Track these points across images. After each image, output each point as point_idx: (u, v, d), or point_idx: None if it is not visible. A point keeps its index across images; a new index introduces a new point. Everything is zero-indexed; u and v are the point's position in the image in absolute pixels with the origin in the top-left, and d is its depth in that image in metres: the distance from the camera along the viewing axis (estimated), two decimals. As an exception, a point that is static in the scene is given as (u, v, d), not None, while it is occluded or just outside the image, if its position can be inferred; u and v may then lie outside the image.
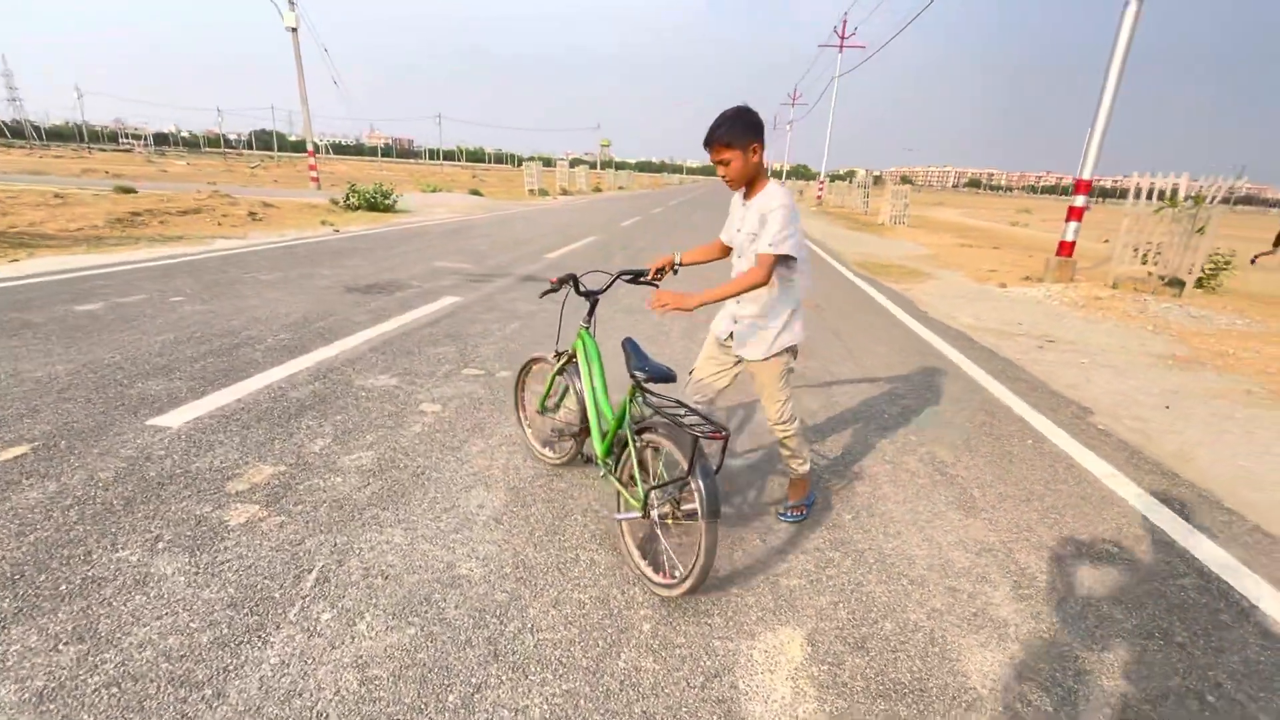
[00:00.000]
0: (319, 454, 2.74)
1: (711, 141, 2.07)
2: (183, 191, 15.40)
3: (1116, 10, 8.64)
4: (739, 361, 2.38)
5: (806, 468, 2.47)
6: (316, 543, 2.12)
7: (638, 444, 2.04)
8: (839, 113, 35.60)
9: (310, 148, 22.71)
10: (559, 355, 2.62)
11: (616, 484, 2.17)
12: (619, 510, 2.17)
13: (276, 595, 1.86)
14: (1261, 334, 6.75)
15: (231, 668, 1.59)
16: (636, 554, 2.10)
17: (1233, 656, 1.90)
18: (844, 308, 7.03)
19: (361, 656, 1.66)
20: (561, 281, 2.48)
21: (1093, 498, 2.86)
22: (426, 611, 1.84)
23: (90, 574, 1.90)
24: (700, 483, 1.77)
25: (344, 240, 9.78)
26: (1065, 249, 9.60)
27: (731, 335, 2.33)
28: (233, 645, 1.66)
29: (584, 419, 2.48)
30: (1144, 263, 9.13)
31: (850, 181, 36.96)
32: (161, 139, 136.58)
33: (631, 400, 2.11)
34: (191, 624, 1.73)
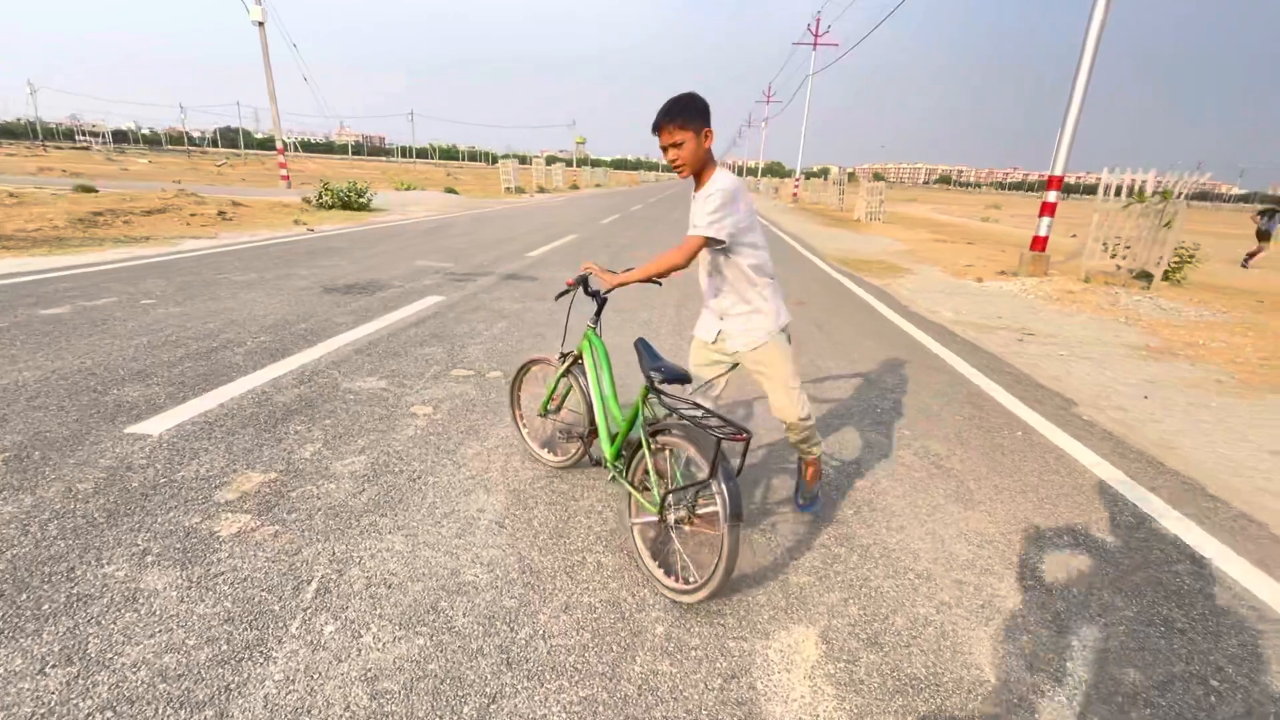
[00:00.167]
0: (310, 460, 2.66)
1: (665, 123, 1.97)
2: (146, 190, 14.89)
3: (1084, 10, 8.84)
4: (734, 366, 2.31)
5: (820, 449, 2.45)
6: (314, 552, 2.05)
7: (653, 446, 2.00)
8: (813, 110, 35.92)
9: (280, 145, 22.17)
10: (564, 356, 2.57)
11: (628, 487, 2.13)
12: (630, 513, 2.14)
13: (276, 608, 1.79)
14: (1226, 325, 6.98)
15: (233, 686, 1.52)
16: (649, 558, 2.06)
17: (1230, 641, 1.94)
18: (828, 303, 7.08)
19: (370, 669, 1.60)
20: (578, 282, 2.42)
21: (1084, 488, 2.91)
22: (434, 620, 1.79)
23: (75, 591, 1.80)
24: (723, 486, 1.74)
25: (319, 240, 9.56)
26: (1038, 244, 9.81)
27: (720, 335, 2.25)
28: (233, 662, 1.59)
29: (591, 421, 2.44)
30: (1113, 257, 9.38)
31: (825, 178, 37.36)
32: (120, 136, 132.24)
33: (644, 402, 2.08)
34: (188, 641, 1.65)
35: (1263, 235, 14.00)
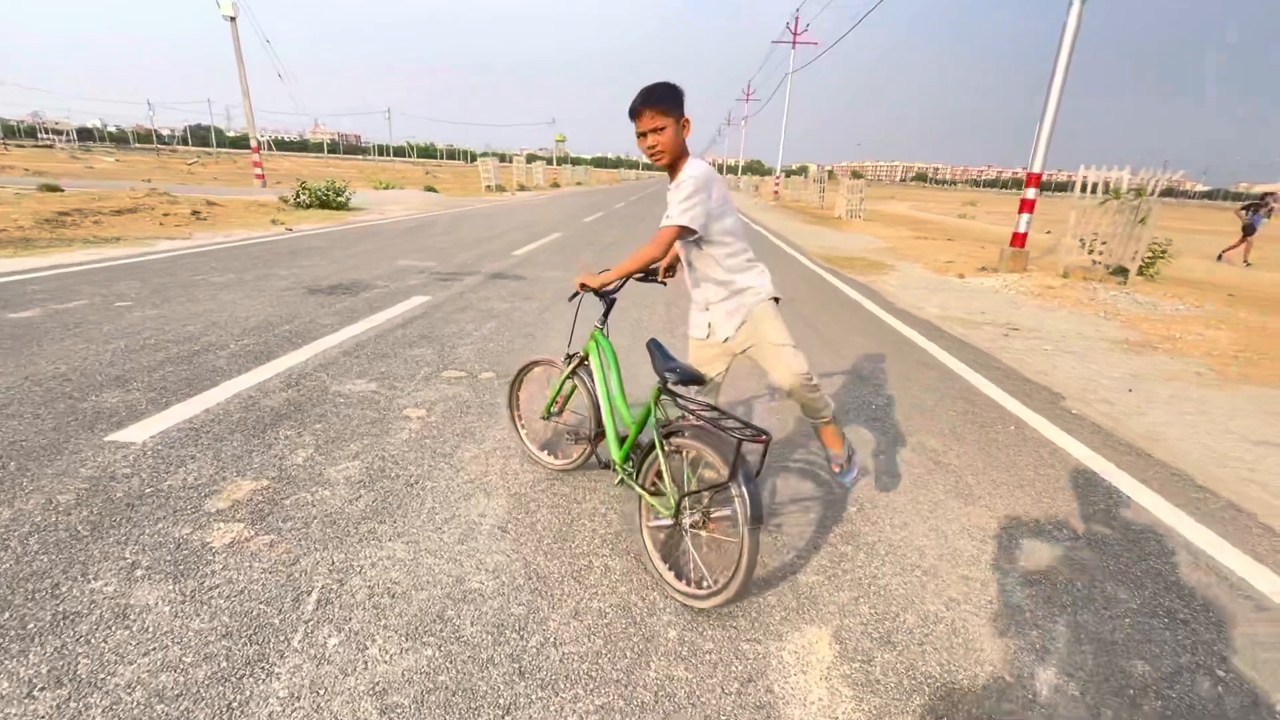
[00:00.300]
0: (302, 466, 2.58)
1: (644, 107, 1.94)
2: (115, 189, 14.45)
3: (1059, 10, 9.00)
4: (732, 355, 2.27)
5: (831, 410, 2.33)
6: (312, 562, 1.99)
7: (666, 448, 1.97)
8: (791, 109, 36.15)
9: (255, 143, 21.71)
10: (570, 358, 2.53)
11: (639, 490, 2.09)
12: (641, 517, 2.10)
13: (276, 621, 1.73)
14: (1200, 318, 7.15)
15: (236, 705, 1.46)
16: (662, 563, 2.03)
17: (1234, 631, 1.97)
18: (816, 300, 7.12)
19: (378, 683, 1.55)
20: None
21: (1079, 481, 2.95)
22: (441, 630, 1.74)
23: (61, 609, 1.72)
24: (744, 489, 1.71)
25: (298, 239, 9.36)
26: (1018, 240, 9.97)
27: (710, 327, 2.22)
28: (234, 680, 1.53)
29: (598, 423, 2.40)
30: (1090, 253, 9.57)
31: (804, 176, 37.62)
32: (85, 134, 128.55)
33: (656, 403, 2.05)
34: (184, 659, 1.58)
35: (1248, 230, 14.12)
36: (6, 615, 1.69)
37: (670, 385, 2.07)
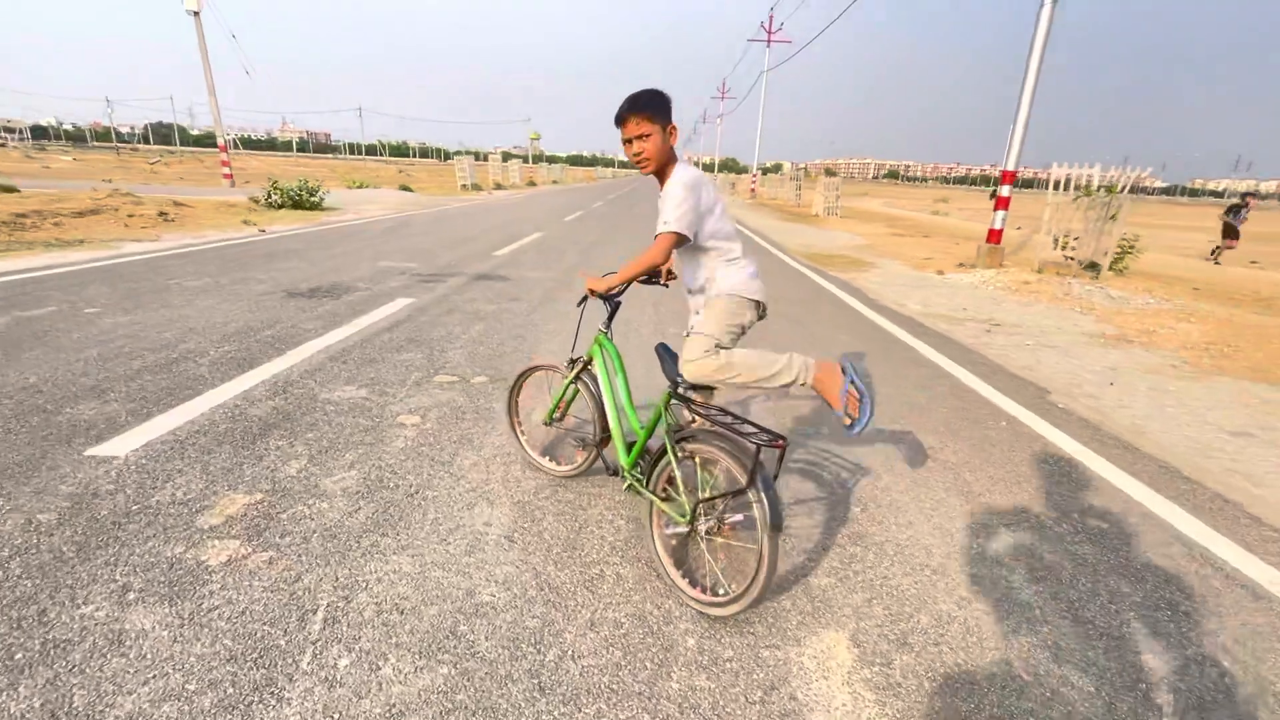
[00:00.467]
0: (297, 478, 2.50)
1: (630, 114, 1.92)
2: (75, 190, 13.94)
3: (1028, 10, 9.18)
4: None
5: (791, 376, 2.01)
6: (315, 578, 1.92)
7: (679, 454, 1.94)
8: (766, 107, 36.37)
9: (222, 142, 21.13)
10: (573, 362, 2.49)
11: (650, 496, 2.06)
12: (652, 524, 2.07)
13: (282, 643, 1.66)
14: (1172, 311, 7.35)
15: (246, 733, 1.40)
16: (676, 570, 2.00)
17: (1233, 620, 2.01)
18: (800, 298, 7.16)
19: (395, 705, 1.50)
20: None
21: (1073, 476, 3.00)
22: (455, 647, 1.69)
23: (51, 637, 1.63)
24: (763, 495, 1.69)
25: (273, 241, 9.13)
26: (994, 236, 10.15)
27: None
28: (242, 707, 1.47)
29: (603, 428, 2.36)
30: (1062, 249, 9.79)
31: (779, 174, 37.91)
32: (40, 132, 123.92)
33: (666, 408, 2.02)
34: (188, 686, 1.51)
35: (1232, 231, 14.30)
36: (-9, 645, 1.60)
37: (681, 390, 2.05)
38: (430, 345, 4.37)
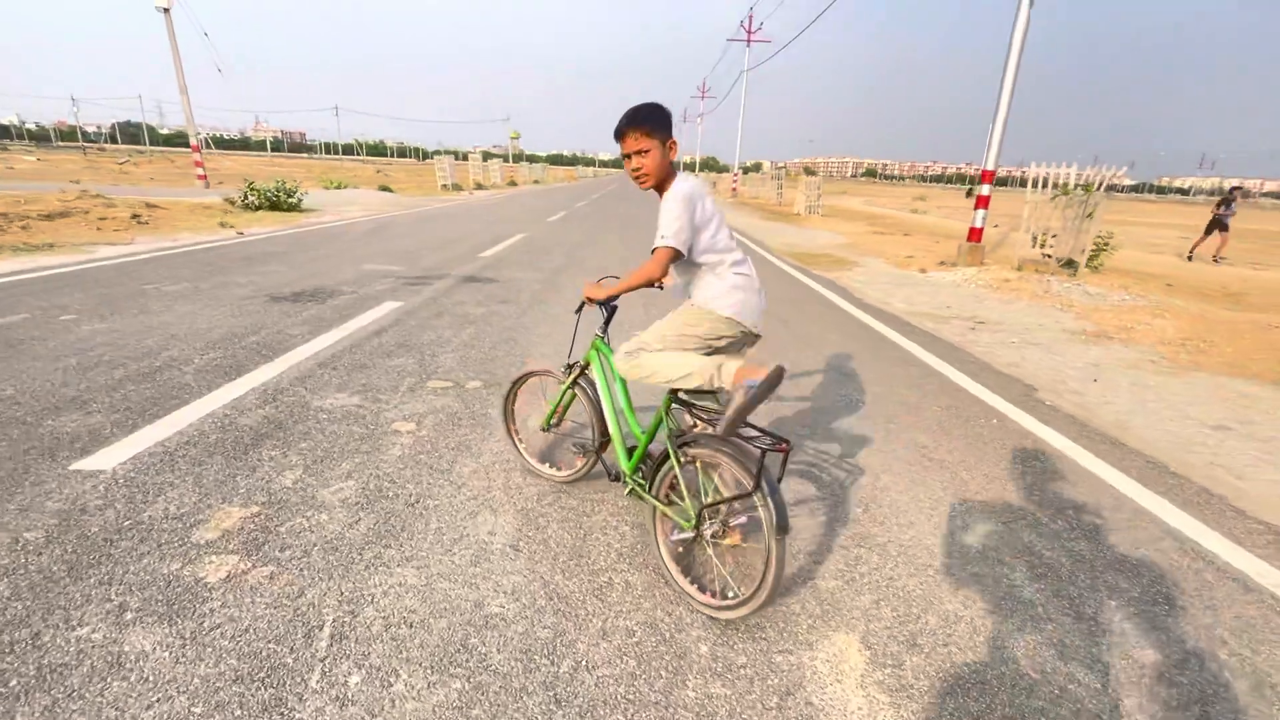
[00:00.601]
0: (293, 489, 2.45)
1: (630, 129, 1.91)
2: (42, 191, 13.52)
3: (1004, 11, 9.33)
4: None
5: (704, 379, 1.92)
6: (319, 593, 1.88)
7: (682, 459, 1.94)
8: (746, 106, 36.55)
9: (195, 141, 20.66)
10: (569, 368, 2.47)
11: (653, 501, 2.06)
12: (656, 529, 2.07)
13: (289, 661, 1.63)
14: (1148, 308, 7.53)
15: (258, 756, 1.37)
16: (682, 575, 2.00)
17: (1227, 613, 2.07)
18: (787, 298, 7.20)
19: (410, 722, 1.47)
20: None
21: (1065, 472, 3.05)
22: (468, 660, 1.67)
23: (46, 661, 1.58)
24: (769, 499, 1.70)
25: (252, 244, 8.95)
26: (975, 235, 10.31)
27: None
28: (252, 728, 1.43)
29: (602, 433, 2.35)
30: (1041, 246, 9.98)
31: (759, 173, 38.14)
32: (2, 131, 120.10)
33: (667, 413, 2.02)
34: (194, 709, 1.47)
35: (1222, 226, 14.18)
36: (-17, 672, 1.54)
37: (682, 395, 2.05)
38: (421, 350, 4.31)
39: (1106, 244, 10.65)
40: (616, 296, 2.21)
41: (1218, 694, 1.72)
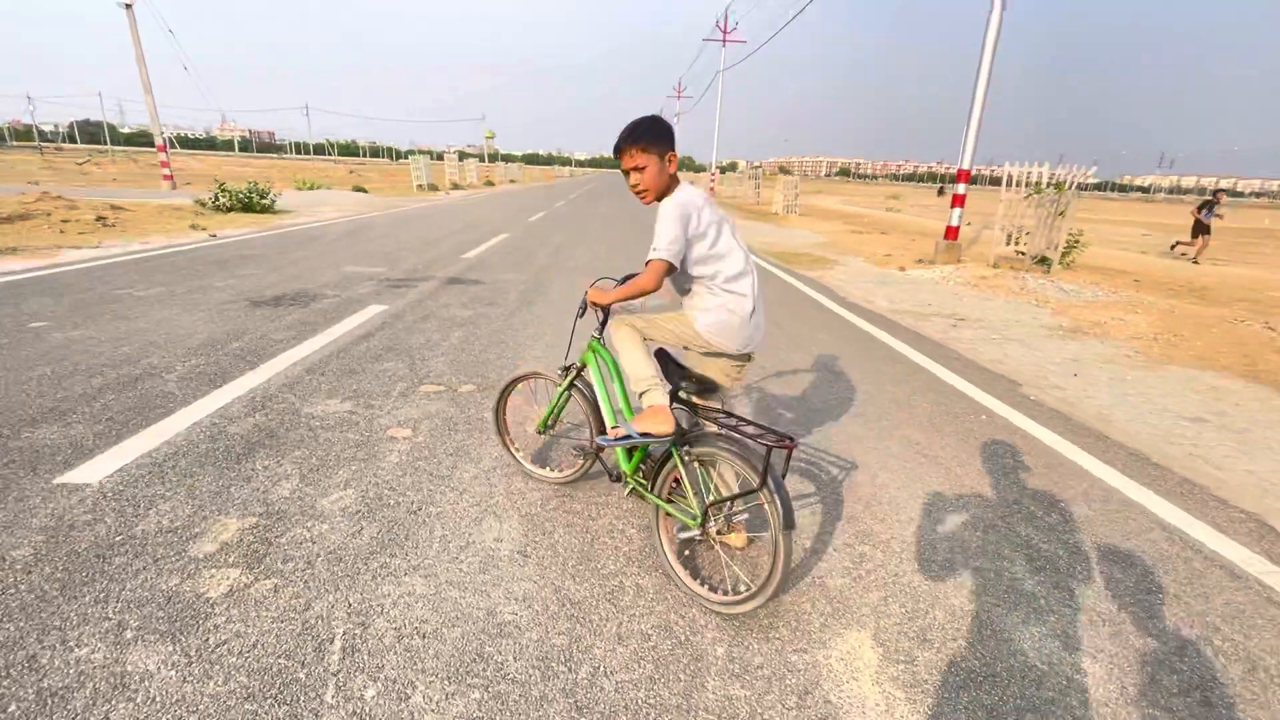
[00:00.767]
0: (290, 499, 2.39)
1: (627, 145, 1.93)
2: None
3: (975, 15, 9.53)
4: (733, 366, 2.21)
5: (640, 389, 2.07)
6: (326, 605, 1.85)
7: (685, 458, 1.95)
8: (722, 106, 36.75)
9: (161, 141, 20.08)
10: (566, 370, 2.46)
11: (656, 501, 2.07)
12: (659, 528, 2.08)
13: (302, 676, 1.59)
14: (1120, 303, 7.76)
15: (277, 775, 1.33)
16: (684, 573, 2.01)
17: (1218, 600, 2.14)
18: (775, 298, 7.25)
19: (431, 735, 1.45)
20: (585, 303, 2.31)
21: (1055, 466, 3.12)
22: (484, 670, 1.65)
23: (46, 685, 1.52)
24: (775, 495, 1.72)
25: (227, 246, 8.72)
26: (951, 233, 10.51)
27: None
28: (269, 747, 1.40)
29: (601, 433, 2.35)
30: (1015, 244, 10.21)
31: (735, 172, 38.35)
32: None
33: None
34: (206, 729, 1.43)
35: (1203, 228, 14.13)
36: (-22, 698, 1.48)
37: (683, 394, 2.06)
38: (410, 354, 4.25)
39: (1077, 241, 10.94)
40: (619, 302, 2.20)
41: (1215, 680, 1.78)
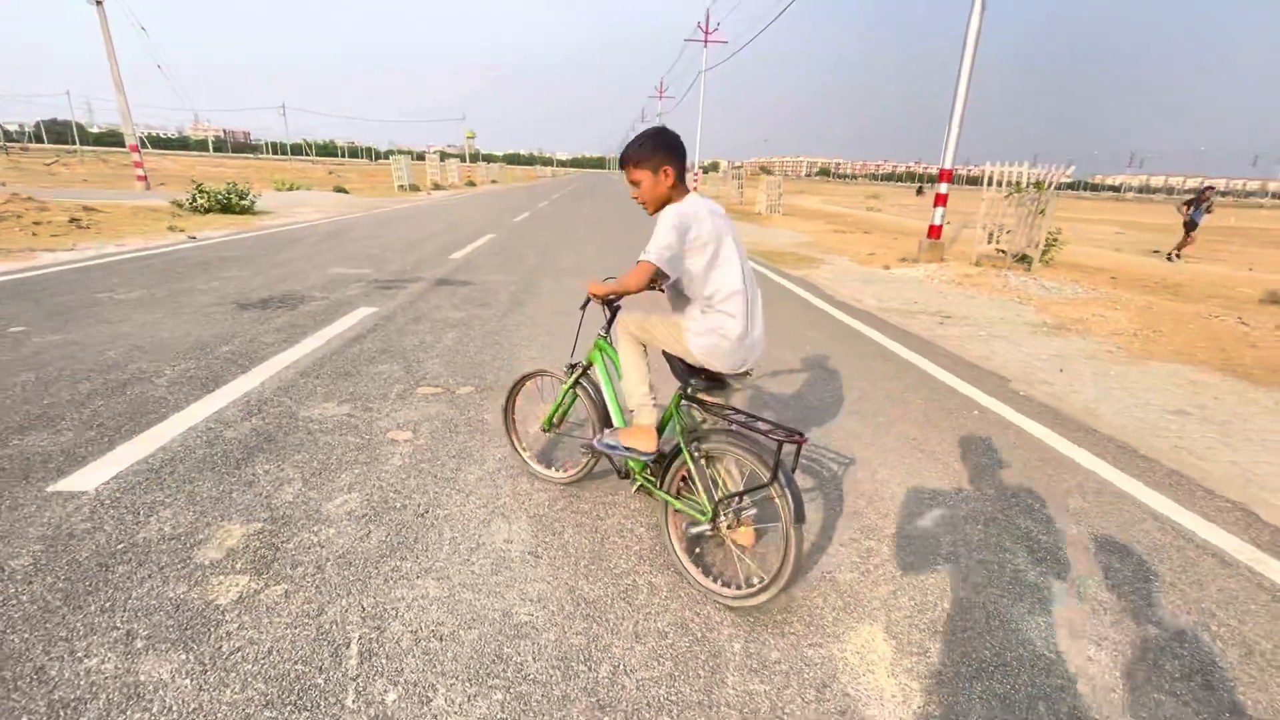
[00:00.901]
0: (295, 503, 2.36)
1: (628, 159, 2.02)
2: (-33, 195, 12.64)
3: (955, 16, 9.68)
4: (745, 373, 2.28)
5: (634, 405, 2.22)
6: (340, 610, 1.83)
7: (695, 454, 1.97)
8: (704, 106, 36.90)
9: (134, 141, 19.64)
10: (572, 368, 2.47)
11: (665, 497, 2.09)
12: (668, 524, 2.10)
13: (320, 681, 1.57)
14: (1100, 300, 7.93)
15: (304, 782, 1.32)
16: (695, 570, 2.04)
17: (1211, 587, 2.20)
18: (765, 298, 7.29)
19: (456, 737, 1.45)
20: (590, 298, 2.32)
21: (1048, 460, 3.19)
22: (504, 671, 1.65)
23: (57, 697, 1.49)
24: (786, 490, 1.75)
25: (207, 248, 8.56)
26: (934, 232, 10.66)
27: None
28: (293, 754, 1.38)
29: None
30: (995, 242, 10.39)
31: (717, 172, 38.56)
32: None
33: (677, 409, 2.05)
34: (227, 737, 1.41)
35: (1191, 226, 13.97)
36: (-14, 712, 1.44)
37: (692, 391, 2.08)
38: (405, 356, 4.22)
39: (1057, 239, 11.16)
40: (618, 296, 2.22)
41: (1215, 664, 1.84)
